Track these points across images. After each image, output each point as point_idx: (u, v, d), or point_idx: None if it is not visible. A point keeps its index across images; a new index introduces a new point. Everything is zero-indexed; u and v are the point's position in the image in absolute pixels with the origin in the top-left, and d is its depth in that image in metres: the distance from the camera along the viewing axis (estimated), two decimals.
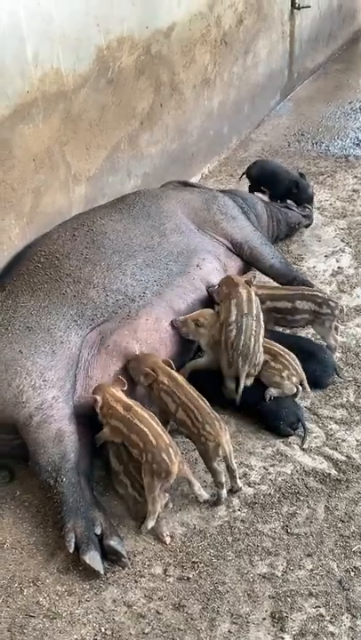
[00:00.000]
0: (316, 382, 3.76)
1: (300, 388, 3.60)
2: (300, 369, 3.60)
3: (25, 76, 3.83)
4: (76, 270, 3.71)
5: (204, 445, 3.20)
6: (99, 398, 3.28)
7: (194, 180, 5.88)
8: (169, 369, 3.45)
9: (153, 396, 3.45)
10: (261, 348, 3.62)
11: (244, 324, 3.64)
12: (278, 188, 5.33)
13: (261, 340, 3.65)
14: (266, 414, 3.59)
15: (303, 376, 3.60)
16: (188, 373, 3.70)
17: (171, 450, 3.05)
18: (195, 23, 5.53)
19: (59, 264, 3.73)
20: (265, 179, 5.41)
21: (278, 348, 3.65)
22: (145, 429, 3.12)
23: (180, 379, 3.42)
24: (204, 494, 3.16)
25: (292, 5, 7.43)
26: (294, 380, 3.57)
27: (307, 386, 3.62)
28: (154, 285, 3.82)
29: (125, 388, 3.36)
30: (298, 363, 3.61)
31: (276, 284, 4.27)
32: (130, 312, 3.66)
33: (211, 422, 3.21)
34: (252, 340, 3.61)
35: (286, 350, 3.64)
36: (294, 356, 3.63)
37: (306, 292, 3.98)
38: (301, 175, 5.36)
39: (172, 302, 3.82)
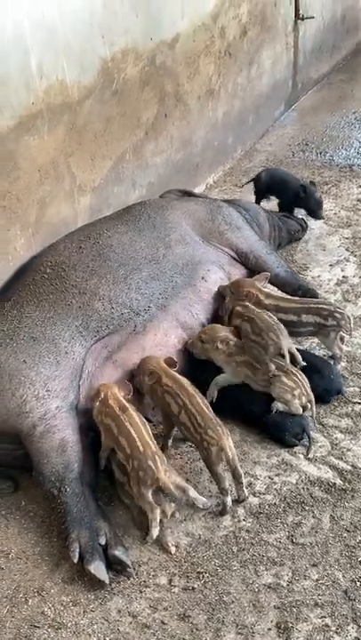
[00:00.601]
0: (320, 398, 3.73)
1: (308, 407, 3.56)
2: (310, 390, 3.55)
3: (30, 87, 3.85)
4: (82, 282, 3.72)
5: (207, 451, 3.19)
6: (102, 391, 3.31)
7: (198, 190, 5.89)
8: (172, 371, 3.47)
9: (156, 399, 3.47)
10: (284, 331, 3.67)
11: (250, 313, 3.71)
12: (287, 194, 5.35)
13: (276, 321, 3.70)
14: (271, 425, 3.57)
15: (312, 397, 3.54)
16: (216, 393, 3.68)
17: (157, 457, 3.05)
18: (199, 34, 5.55)
19: (65, 275, 3.74)
20: (274, 186, 5.43)
21: (290, 366, 3.59)
22: (134, 435, 3.13)
23: (184, 381, 3.42)
24: (201, 498, 3.13)
25: (295, 16, 7.46)
26: (304, 400, 3.52)
27: (314, 409, 3.57)
28: (159, 298, 3.83)
29: (130, 395, 3.38)
30: (308, 383, 3.56)
31: (283, 294, 4.24)
32: (136, 326, 3.67)
33: (213, 427, 3.20)
34: (267, 315, 3.70)
35: (297, 369, 3.60)
36: (305, 376, 3.58)
37: (312, 306, 3.95)
38: (312, 183, 5.36)
39: (177, 315, 3.83)
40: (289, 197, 5.35)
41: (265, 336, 3.60)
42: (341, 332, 3.92)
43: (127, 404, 3.29)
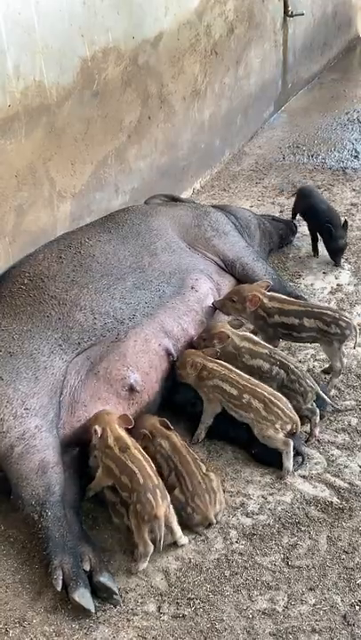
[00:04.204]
0: None
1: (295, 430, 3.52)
2: (292, 413, 3.48)
3: (6, 89, 3.85)
4: (61, 292, 3.71)
5: (189, 516, 3.19)
6: (99, 430, 3.26)
7: (185, 195, 5.90)
8: (167, 431, 3.43)
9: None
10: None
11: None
12: (312, 223, 5.22)
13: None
14: (259, 456, 3.56)
15: (297, 419, 3.49)
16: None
17: (158, 492, 3.03)
18: (183, 32, 5.57)
19: (44, 286, 3.73)
20: (304, 210, 5.31)
21: (268, 392, 3.52)
22: (135, 469, 3.10)
23: (178, 441, 3.39)
24: (184, 540, 3.14)
25: (284, 13, 7.49)
26: (289, 427, 3.46)
27: (299, 429, 3.54)
28: (144, 307, 3.82)
29: (131, 427, 3.35)
30: (289, 405, 3.50)
31: (287, 297, 4.13)
32: (118, 335, 3.66)
33: (201, 494, 3.20)
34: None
35: (277, 394, 3.53)
36: (285, 398, 3.53)
37: (315, 310, 3.93)
38: (345, 224, 5.03)
39: (163, 323, 3.82)
40: (312, 228, 5.23)
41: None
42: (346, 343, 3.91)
43: (129, 442, 3.24)
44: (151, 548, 3.01)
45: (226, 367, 3.62)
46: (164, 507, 3.01)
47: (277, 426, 3.45)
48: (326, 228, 4.98)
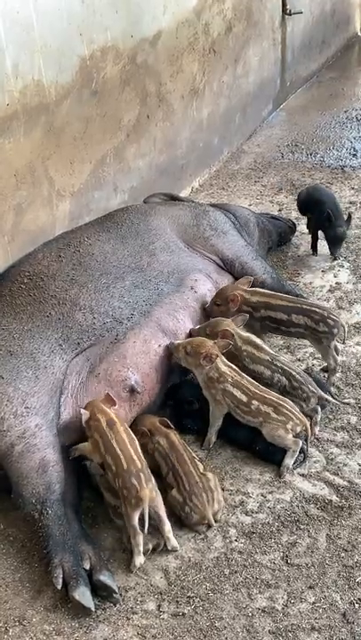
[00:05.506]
0: None
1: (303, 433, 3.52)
2: (301, 415, 3.50)
3: (4, 88, 3.85)
4: (61, 292, 3.72)
5: (187, 515, 3.20)
6: (86, 412, 3.29)
7: (184, 194, 5.90)
8: (166, 429, 3.45)
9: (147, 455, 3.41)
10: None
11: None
12: (315, 216, 5.17)
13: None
14: (262, 453, 3.56)
15: (306, 422, 3.50)
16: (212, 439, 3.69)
17: (142, 475, 3.05)
18: (182, 31, 5.58)
19: (43, 285, 3.74)
20: (308, 206, 5.27)
21: (274, 396, 3.54)
22: (119, 452, 3.13)
23: (176, 440, 3.41)
24: (173, 540, 3.12)
25: (283, 11, 7.50)
26: (298, 429, 3.47)
27: (310, 431, 3.54)
28: (142, 305, 3.83)
29: (115, 407, 3.36)
30: (297, 409, 3.52)
31: (273, 292, 4.14)
32: (117, 335, 3.66)
33: (198, 493, 3.21)
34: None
35: (282, 398, 3.54)
36: (291, 402, 3.54)
37: (304, 307, 3.93)
38: (349, 218, 5.09)
39: (160, 320, 3.82)
40: (316, 221, 5.17)
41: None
42: (335, 342, 3.90)
43: (115, 419, 3.27)
44: (141, 536, 3.00)
45: (237, 372, 3.60)
46: (148, 488, 3.02)
47: (288, 426, 3.45)
48: (327, 214, 4.97)
